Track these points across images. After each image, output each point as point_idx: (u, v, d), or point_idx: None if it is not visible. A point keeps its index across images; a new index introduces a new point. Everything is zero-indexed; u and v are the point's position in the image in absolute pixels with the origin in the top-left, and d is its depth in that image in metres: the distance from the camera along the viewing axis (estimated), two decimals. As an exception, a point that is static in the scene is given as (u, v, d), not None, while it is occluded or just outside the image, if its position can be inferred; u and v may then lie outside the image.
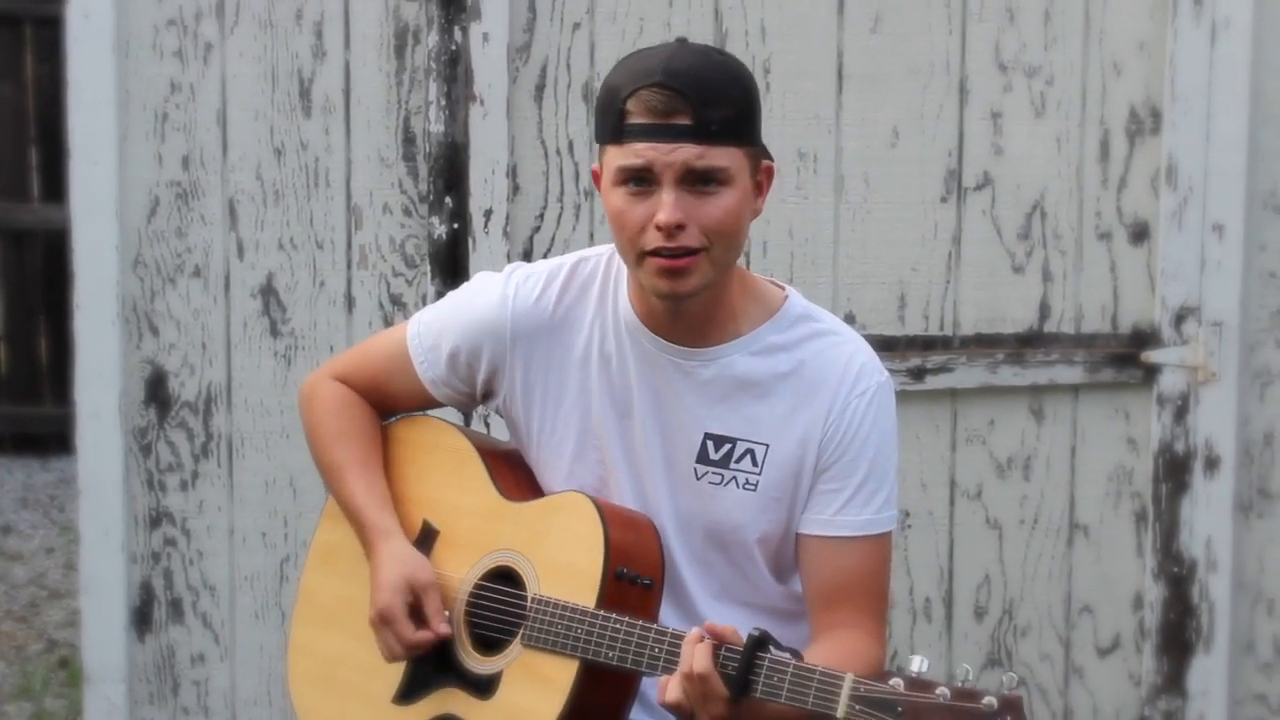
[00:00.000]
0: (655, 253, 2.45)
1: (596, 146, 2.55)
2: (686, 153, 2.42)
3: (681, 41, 2.52)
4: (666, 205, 2.43)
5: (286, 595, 3.73)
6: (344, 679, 2.73)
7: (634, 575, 2.51)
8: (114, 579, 3.72)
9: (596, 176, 2.56)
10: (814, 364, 2.59)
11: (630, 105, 2.44)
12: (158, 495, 3.73)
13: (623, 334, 2.62)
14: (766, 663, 2.31)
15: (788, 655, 2.31)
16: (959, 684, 2.18)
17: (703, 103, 2.42)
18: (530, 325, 2.65)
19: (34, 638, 5.66)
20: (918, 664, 2.22)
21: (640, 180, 2.45)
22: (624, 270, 2.62)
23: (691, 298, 2.51)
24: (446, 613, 2.61)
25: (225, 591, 3.77)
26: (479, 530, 2.65)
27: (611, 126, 2.47)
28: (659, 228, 2.43)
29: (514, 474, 2.71)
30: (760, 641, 2.32)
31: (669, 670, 2.39)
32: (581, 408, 2.64)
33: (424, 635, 2.59)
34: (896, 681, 2.19)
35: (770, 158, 2.56)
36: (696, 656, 2.33)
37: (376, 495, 2.72)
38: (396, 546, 2.66)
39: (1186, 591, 4.02)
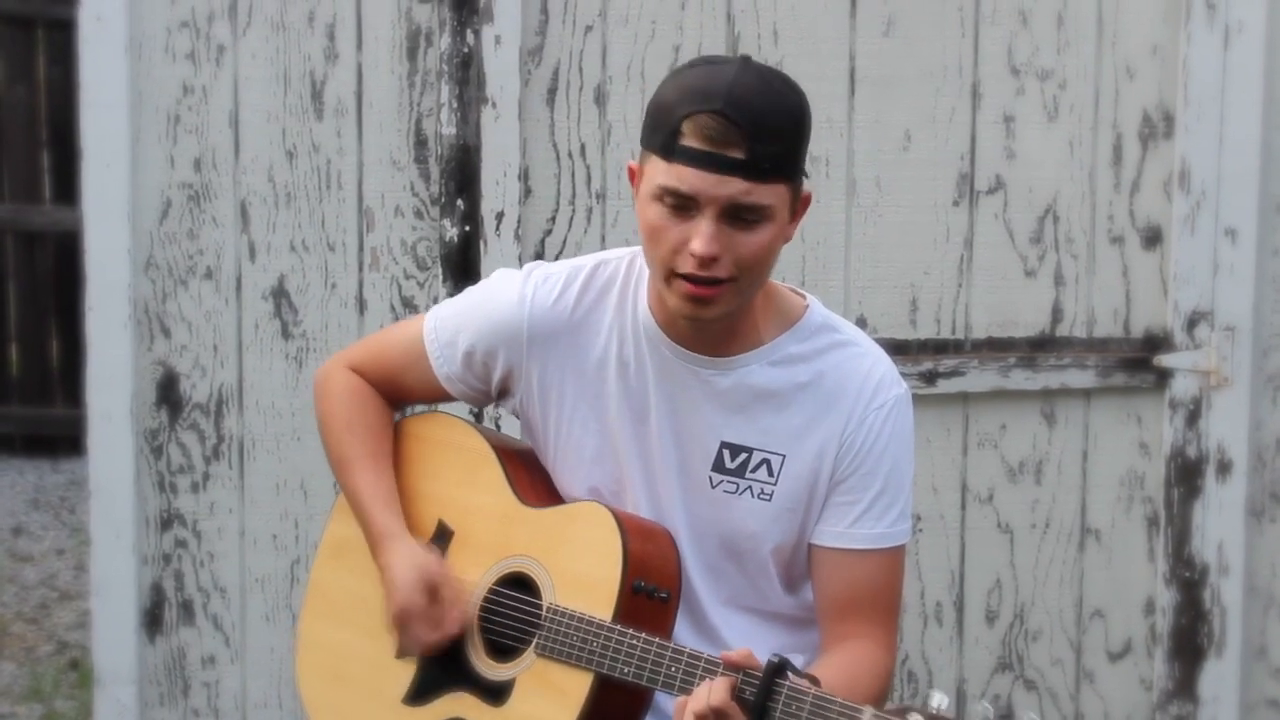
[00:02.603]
0: (686, 277, 2.43)
1: (639, 149, 2.51)
2: (734, 188, 2.38)
3: (746, 62, 2.45)
4: (704, 237, 2.39)
5: (297, 597, 3.73)
6: (353, 675, 2.73)
7: (651, 588, 2.50)
8: (125, 580, 3.72)
9: (633, 173, 2.52)
10: (833, 375, 2.58)
11: (685, 127, 2.38)
12: (169, 497, 3.74)
13: (641, 340, 2.60)
14: (785, 690, 2.29)
15: (806, 683, 2.30)
16: None
17: (758, 138, 2.37)
18: (548, 327, 2.64)
19: (44, 639, 5.66)
20: (937, 700, 2.18)
21: (681, 203, 2.41)
22: (644, 275, 2.60)
23: (714, 323, 2.50)
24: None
25: (236, 593, 3.78)
26: (495, 533, 2.65)
27: (662, 142, 2.41)
28: (693, 255, 2.40)
29: (530, 476, 2.70)
30: (779, 668, 2.30)
31: (685, 689, 2.37)
32: (598, 412, 2.63)
33: (442, 636, 2.59)
34: (915, 717, 2.17)
35: (805, 174, 2.53)
36: (714, 690, 2.31)
37: (383, 493, 2.72)
38: (406, 547, 2.66)
39: (1198, 596, 4.01)
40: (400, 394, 2.81)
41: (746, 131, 2.37)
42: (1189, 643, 4.01)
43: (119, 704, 3.73)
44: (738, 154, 2.37)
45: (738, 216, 2.40)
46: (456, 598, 2.60)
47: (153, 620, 3.76)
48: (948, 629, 3.98)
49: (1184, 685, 4.02)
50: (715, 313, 2.46)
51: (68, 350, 7.82)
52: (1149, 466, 4.00)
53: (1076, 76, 3.90)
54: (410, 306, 3.73)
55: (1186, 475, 3.98)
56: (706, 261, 2.40)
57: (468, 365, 2.70)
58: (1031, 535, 3.99)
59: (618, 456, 2.64)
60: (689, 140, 2.38)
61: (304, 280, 3.73)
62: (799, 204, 2.50)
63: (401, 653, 2.64)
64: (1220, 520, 3.99)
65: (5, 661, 5.45)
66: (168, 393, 3.72)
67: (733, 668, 2.33)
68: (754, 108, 2.38)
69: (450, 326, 2.71)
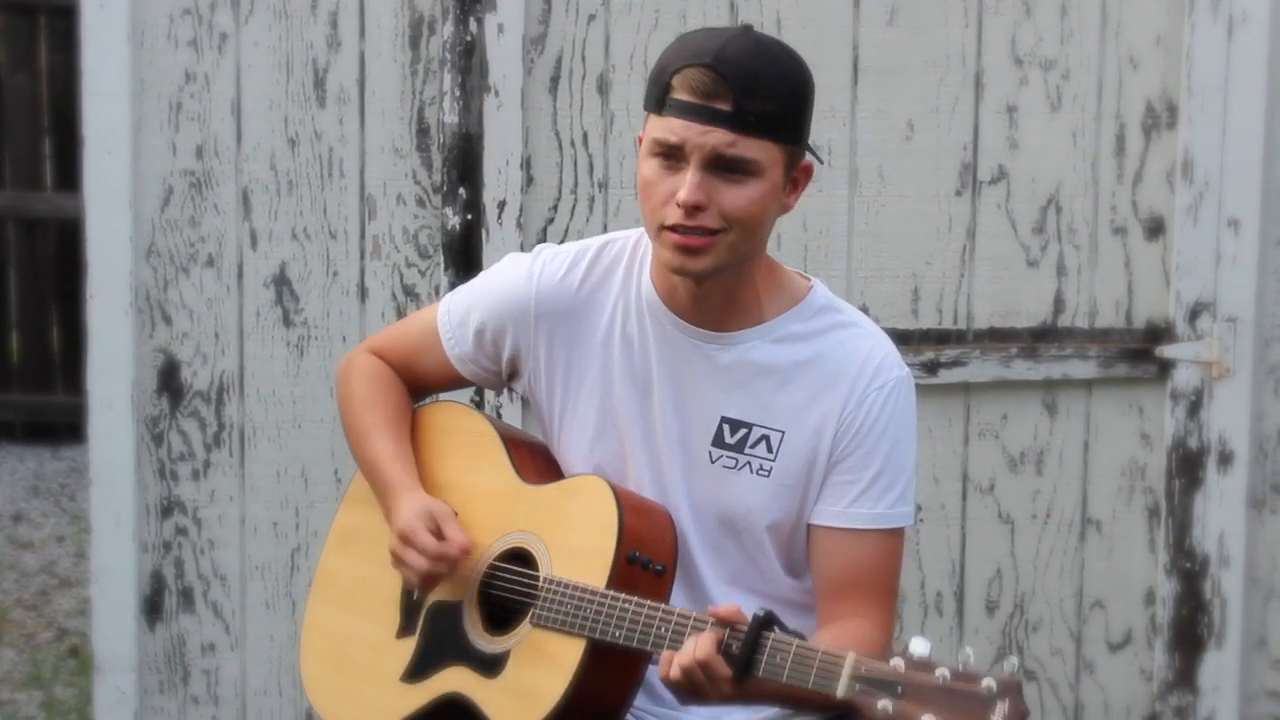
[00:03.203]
0: (673, 228, 2.46)
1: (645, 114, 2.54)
2: (718, 138, 2.43)
3: (746, 29, 2.53)
4: (689, 185, 2.43)
5: (297, 585, 3.74)
6: (354, 657, 2.74)
7: (646, 560, 2.52)
8: (125, 568, 3.72)
9: (640, 142, 2.56)
10: (834, 355, 2.59)
11: (676, 81, 2.45)
12: (169, 484, 3.73)
13: (644, 315, 2.63)
14: (770, 642, 2.31)
15: (791, 636, 2.32)
16: (959, 667, 2.18)
17: (745, 92, 2.42)
18: (554, 304, 2.67)
19: (44, 626, 5.67)
20: (917, 646, 2.22)
21: (671, 155, 2.46)
22: (649, 253, 2.63)
23: (702, 277, 2.52)
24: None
25: (236, 581, 3.78)
26: (496, 512, 2.66)
27: (656, 97, 2.48)
28: (679, 205, 2.44)
29: (533, 457, 2.72)
30: (765, 621, 2.32)
31: (675, 649, 2.38)
32: (603, 388, 2.66)
33: (446, 547, 2.56)
34: (897, 661, 2.20)
35: (819, 158, 2.56)
36: (699, 645, 2.33)
37: (402, 456, 2.73)
38: (415, 493, 2.67)
39: (1199, 587, 4.01)
40: (418, 379, 2.83)
41: (733, 85, 2.42)
42: (1189, 633, 4.01)
43: (119, 691, 3.74)
44: (723, 105, 2.43)
45: (724, 168, 2.45)
46: (460, 530, 2.59)
47: (153, 607, 3.76)
48: (948, 619, 3.99)
49: (1184, 676, 4.03)
50: (703, 265, 2.48)
51: (69, 337, 7.82)
52: (1150, 457, 4.00)
53: (1080, 66, 3.89)
54: (412, 295, 3.73)
55: (1188, 466, 3.98)
56: (691, 210, 2.44)
57: (479, 345, 2.73)
58: (1032, 525, 4.00)
59: (621, 432, 2.66)
60: (677, 94, 2.45)
61: (305, 268, 3.73)
62: (799, 173, 2.54)
63: (406, 586, 2.64)
64: (1221, 511, 3.99)
65: (5, 648, 5.45)
66: (169, 380, 3.72)
67: (720, 623, 2.35)
68: (743, 64, 2.44)
69: (462, 307, 2.75)
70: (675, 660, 2.34)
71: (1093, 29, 3.89)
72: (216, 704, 3.80)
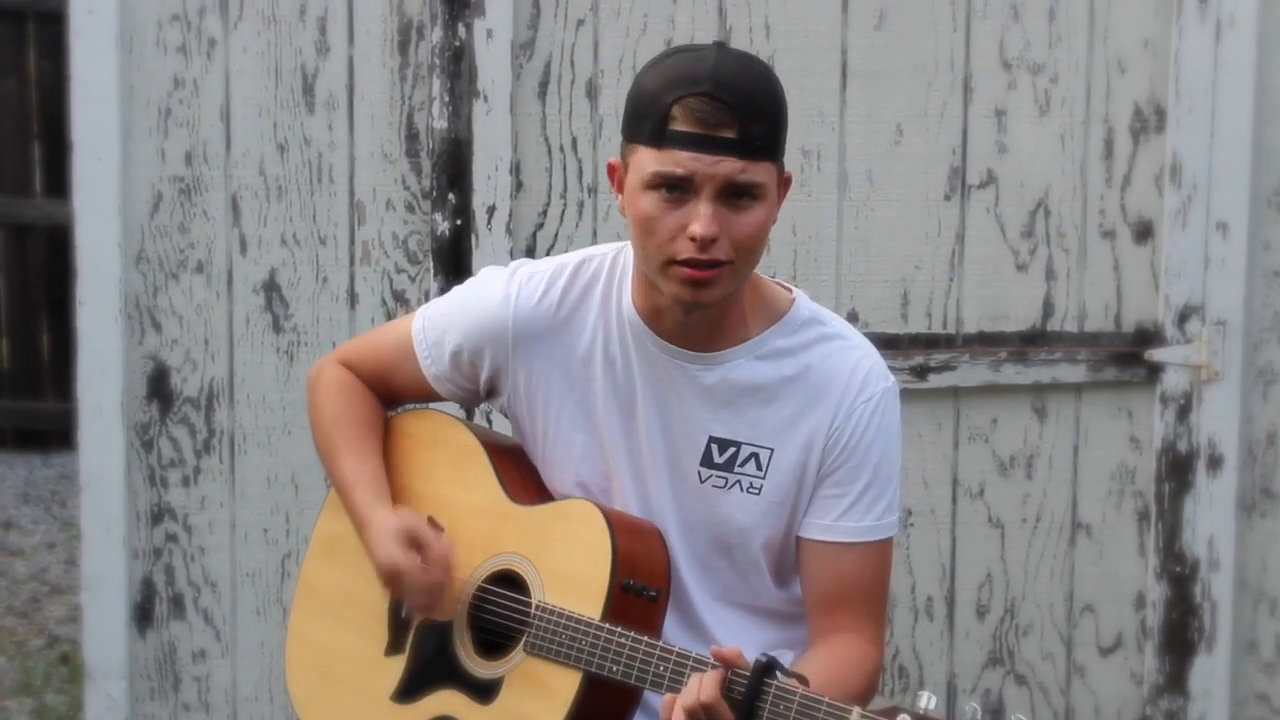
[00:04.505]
0: (685, 262, 2.42)
1: (620, 140, 2.51)
2: (729, 167, 2.39)
3: (720, 46, 2.48)
4: (704, 218, 2.39)
5: (288, 592, 3.73)
6: (342, 673, 2.73)
7: (640, 587, 2.50)
8: (115, 575, 3.71)
9: (613, 170, 2.52)
10: (820, 369, 2.58)
11: (676, 111, 2.39)
12: (159, 491, 3.73)
13: (627, 337, 2.60)
14: (773, 689, 2.29)
15: (794, 682, 2.30)
16: None
17: (748, 117, 2.39)
18: (533, 326, 2.64)
19: (35, 633, 5.66)
20: (925, 701, 2.19)
21: (676, 188, 2.41)
22: (628, 271, 2.60)
23: (711, 308, 2.50)
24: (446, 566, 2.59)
25: (227, 588, 3.77)
26: (484, 531, 2.64)
27: (652, 130, 2.41)
28: (693, 239, 2.40)
29: (520, 474, 2.70)
30: (768, 667, 2.30)
31: (673, 688, 2.37)
32: (586, 409, 2.63)
33: (434, 574, 2.57)
34: (904, 718, 2.17)
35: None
36: (704, 686, 2.32)
37: (366, 477, 2.71)
38: (383, 515, 2.64)
39: (1189, 591, 4.01)
40: (391, 392, 2.80)
41: (737, 111, 2.39)
42: (1179, 637, 4.02)
43: (109, 698, 3.73)
44: (729, 133, 2.39)
45: (732, 197, 2.41)
46: (437, 539, 2.59)
47: (143, 614, 3.75)
48: (938, 623, 3.98)
49: (1174, 680, 4.03)
50: (714, 295, 2.46)
51: (58, 344, 7.80)
52: (1140, 461, 4.00)
53: (1068, 70, 3.90)
54: (401, 300, 3.73)
55: (1177, 470, 3.98)
56: (706, 243, 2.40)
57: (455, 365, 2.70)
58: (1022, 530, 4.00)
59: (606, 453, 2.64)
60: (680, 125, 2.40)
61: (295, 274, 3.72)
62: (782, 186, 2.52)
63: (415, 611, 2.63)
64: (1211, 515, 3.99)
65: (-4, 655, 5.46)
66: (158, 386, 3.72)
67: (723, 663, 2.33)
68: (740, 88, 2.40)
69: (438, 326, 2.71)
70: (678, 702, 2.33)
71: (1081, 33, 3.90)
72: (208, 711, 3.79)
